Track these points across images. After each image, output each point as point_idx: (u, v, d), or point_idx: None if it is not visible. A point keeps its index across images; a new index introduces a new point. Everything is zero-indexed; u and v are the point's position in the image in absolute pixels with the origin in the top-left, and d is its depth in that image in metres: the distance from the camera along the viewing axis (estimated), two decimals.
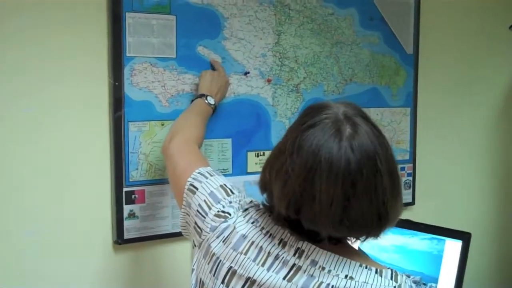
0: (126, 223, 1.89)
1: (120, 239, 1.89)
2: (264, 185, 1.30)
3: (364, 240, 1.26)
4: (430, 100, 2.55)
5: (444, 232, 1.85)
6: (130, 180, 1.90)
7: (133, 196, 1.90)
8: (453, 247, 1.82)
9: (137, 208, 1.91)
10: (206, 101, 1.88)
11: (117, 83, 1.85)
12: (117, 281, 1.92)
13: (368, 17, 2.33)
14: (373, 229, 1.22)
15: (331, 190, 1.15)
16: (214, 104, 1.90)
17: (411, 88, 2.48)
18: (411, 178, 2.52)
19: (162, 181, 1.94)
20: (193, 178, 1.45)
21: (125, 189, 1.89)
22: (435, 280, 1.83)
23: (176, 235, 1.96)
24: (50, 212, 1.80)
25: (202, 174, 1.46)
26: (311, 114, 1.23)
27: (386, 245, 1.83)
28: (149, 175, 1.92)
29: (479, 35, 2.65)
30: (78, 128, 1.83)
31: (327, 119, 1.19)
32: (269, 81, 2.13)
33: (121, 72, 1.85)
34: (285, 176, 1.19)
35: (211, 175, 1.46)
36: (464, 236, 1.81)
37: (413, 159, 2.52)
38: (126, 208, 1.89)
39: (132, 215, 1.90)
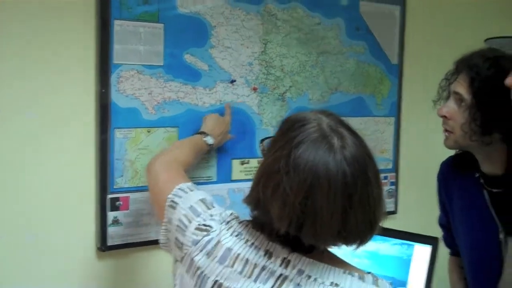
0: (110, 230, 1.89)
1: (103, 246, 1.89)
2: (257, 203, 1.28)
3: (357, 247, 1.28)
4: (414, 110, 2.57)
5: (413, 237, 1.88)
6: (115, 186, 1.90)
7: (117, 202, 1.90)
8: (422, 252, 1.86)
9: (121, 215, 1.92)
10: (204, 138, 1.89)
11: (104, 90, 1.86)
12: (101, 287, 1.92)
13: (354, 27, 2.35)
14: (366, 236, 1.25)
15: (331, 205, 1.17)
16: (212, 144, 1.92)
17: (395, 97, 2.51)
18: (394, 187, 2.55)
19: (147, 188, 1.93)
20: (174, 194, 1.44)
21: (109, 196, 1.89)
22: (404, 284, 1.87)
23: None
24: (34, 218, 1.80)
25: (182, 190, 1.45)
26: (295, 128, 1.23)
27: (358, 251, 1.86)
28: (134, 182, 1.93)
29: (460, 47, 2.68)
30: (64, 134, 1.83)
31: (315, 133, 1.20)
32: (255, 89, 2.14)
33: (108, 79, 1.86)
34: (283, 195, 1.19)
35: (191, 190, 1.45)
36: (432, 241, 1.85)
37: (396, 169, 2.55)
38: (110, 215, 1.90)
39: (116, 221, 1.90)
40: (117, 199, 1.90)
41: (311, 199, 1.17)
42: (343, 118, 1.28)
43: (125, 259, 1.96)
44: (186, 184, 1.48)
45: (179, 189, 1.46)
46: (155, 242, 1.95)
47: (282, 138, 1.24)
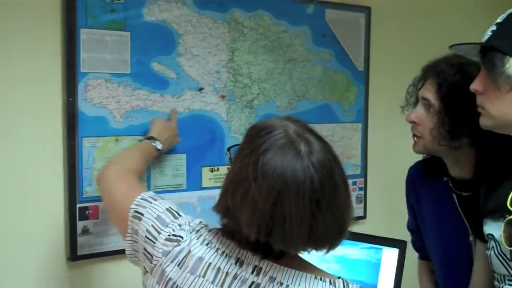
0: (80, 239, 1.88)
1: (73, 256, 1.87)
2: (226, 211, 1.27)
3: (327, 252, 1.29)
4: (380, 116, 2.61)
5: (381, 241, 1.90)
6: (84, 196, 1.89)
7: (87, 212, 1.89)
8: (390, 255, 1.88)
9: (91, 224, 1.90)
10: (153, 144, 1.89)
11: (71, 99, 1.85)
12: None
13: (320, 34, 2.38)
14: (335, 241, 1.26)
15: (300, 210, 1.17)
16: (161, 150, 1.91)
17: (362, 104, 2.54)
18: (362, 192, 2.57)
19: None
20: (137, 205, 1.41)
21: (78, 205, 1.88)
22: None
23: None
24: (2, 228, 1.78)
25: (145, 200, 1.42)
26: (262, 135, 1.23)
27: (327, 256, 1.87)
28: None
29: (425, 53, 2.72)
30: (31, 143, 1.82)
31: (281, 139, 1.21)
32: (223, 97, 2.15)
33: (75, 87, 1.85)
34: (252, 202, 1.19)
35: (154, 200, 1.43)
36: (400, 244, 1.88)
37: (364, 174, 2.57)
38: (80, 224, 1.88)
39: (85, 231, 1.89)
40: (86, 208, 1.89)
41: (280, 205, 1.17)
42: (309, 125, 1.28)
43: (95, 269, 1.94)
44: (147, 193, 1.45)
45: (141, 199, 1.42)
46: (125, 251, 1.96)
47: (249, 146, 1.24)
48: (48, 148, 1.85)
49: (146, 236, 1.35)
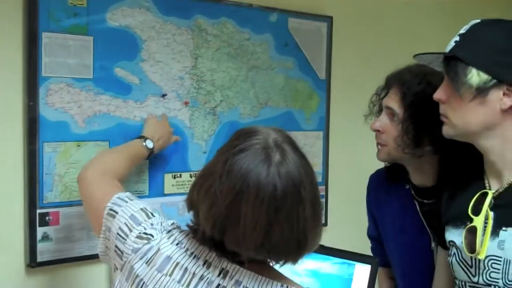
0: (40, 246, 1.85)
1: (33, 262, 1.84)
2: (191, 204, 1.30)
3: (283, 264, 1.29)
4: (342, 124, 2.63)
5: (354, 257, 1.91)
6: (44, 201, 1.86)
7: (47, 218, 1.87)
8: (362, 271, 1.89)
9: (51, 230, 1.87)
10: (144, 143, 1.88)
11: (32, 103, 1.82)
12: None
13: (283, 43, 2.40)
14: (292, 254, 1.26)
15: (256, 214, 1.18)
16: (152, 149, 1.90)
17: (323, 112, 2.56)
18: (323, 200, 2.59)
19: (78, 203, 1.90)
20: (113, 203, 1.43)
21: (38, 211, 1.85)
22: None
23: (92, 258, 1.93)
24: None
25: (121, 199, 1.44)
26: (242, 138, 1.25)
27: (299, 270, 1.88)
28: (64, 196, 1.90)
29: (386, 62, 2.76)
30: None
31: (258, 145, 1.22)
32: (186, 103, 2.15)
33: (36, 92, 1.83)
34: (212, 197, 1.21)
35: (130, 200, 1.45)
36: (372, 261, 1.89)
37: (325, 181, 2.60)
38: (40, 230, 1.85)
39: (46, 237, 1.86)
40: (46, 214, 1.86)
41: (237, 205, 1.19)
42: (292, 137, 1.30)
43: (56, 276, 1.91)
44: (124, 193, 1.47)
45: (117, 198, 1.44)
46: (87, 258, 1.94)
47: (227, 146, 1.27)
48: (7, 152, 1.82)
49: (118, 233, 1.37)
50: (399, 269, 1.98)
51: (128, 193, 1.48)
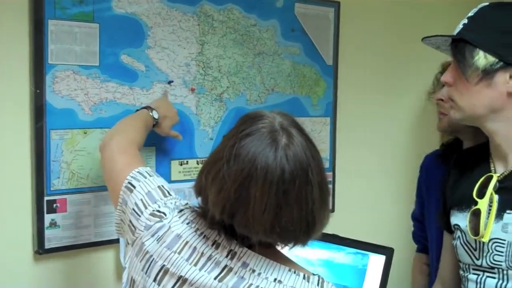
0: (47, 233, 1.86)
1: (41, 249, 1.86)
2: (200, 189, 1.32)
3: (292, 247, 1.30)
4: (349, 110, 2.62)
5: (368, 247, 1.91)
6: (52, 189, 1.87)
7: (54, 205, 1.88)
8: (376, 261, 1.89)
9: (59, 217, 1.89)
10: (151, 113, 1.88)
11: (38, 91, 1.83)
12: None
13: (289, 28, 2.39)
14: (301, 236, 1.27)
15: (265, 197, 1.20)
16: (158, 119, 1.89)
17: (331, 98, 2.55)
18: (331, 186, 2.59)
19: (85, 190, 1.93)
20: (132, 177, 1.46)
21: (46, 198, 1.86)
22: None
23: (99, 244, 1.96)
24: None
25: (141, 174, 1.47)
26: (248, 122, 1.27)
27: (313, 259, 1.89)
28: (71, 183, 1.90)
29: (395, 47, 2.76)
30: None
31: (264, 128, 1.24)
32: (192, 90, 2.15)
33: (43, 79, 1.83)
34: (221, 182, 1.23)
35: (150, 175, 1.47)
36: (387, 252, 1.89)
37: (332, 167, 2.59)
38: (48, 218, 1.86)
39: (53, 224, 1.87)
40: (54, 201, 1.87)
41: (246, 189, 1.20)
42: (298, 121, 1.31)
43: (64, 262, 1.93)
44: (145, 168, 1.49)
45: (138, 172, 1.47)
46: (95, 244, 1.96)
47: (234, 131, 1.29)
48: (15, 140, 1.82)
49: (133, 209, 1.40)
50: (437, 253, 1.98)
51: (148, 168, 1.51)
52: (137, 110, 1.92)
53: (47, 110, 1.84)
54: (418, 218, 2.15)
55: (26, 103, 1.83)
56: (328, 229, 1.36)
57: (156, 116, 1.89)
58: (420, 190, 2.13)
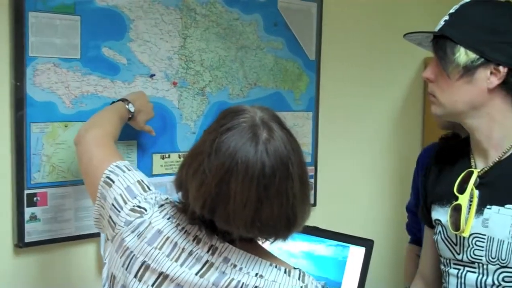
0: (28, 226, 1.85)
1: (21, 243, 1.84)
2: (180, 184, 1.32)
3: (273, 241, 1.31)
4: (331, 104, 2.63)
5: (349, 239, 1.93)
6: (32, 182, 1.86)
7: (35, 198, 1.86)
8: (356, 253, 1.90)
9: (39, 210, 1.87)
10: (126, 106, 1.86)
11: (18, 83, 1.81)
12: (19, 285, 1.87)
13: (272, 23, 2.39)
14: (282, 231, 1.28)
15: (245, 192, 1.20)
16: (133, 113, 1.88)
17: (313, 93, 2.56)
18: (312, 180, 2.60)
19: (65, 184, 1.91)
20: (110, 171, 1.44)
21: (26, 192, 1.85)
22: (339, 285, 1.91)
23: (79, 238, 1.95)
24: None
25: (119, 168, 1.45)
26: (229, 117, 1.27)
27: (295, 251, 1.90)
28: (52, 177, 1.89)
29: (377, 42, 2.77)
30: None
31: (245, 123, 1.24)
32: (174, 84, 2.14)
33: (23, 72, 1.81)
34: (201, 176, 1.23)
35: (128, 170, 1.46)
36: (367, 243, 1.91)
37: (314, 162, 2.60)
38: (28, 211, 1.85)
39: (33, 218, 1.86)
40: (34, 194, 1.86)
41: (226, 183, 1.21)
42: (279, 115, 1.31)
43: (45, 256, 1.91)
44: (123, 162, 1.48)
45: (116, 166, 1.45)
46: (75, 238, 1.95)
47: (214, 125, 1.29)
48: None
49: (112, 204, 1.39)
50: None
51: (126, 162, 1.49)
52: (113, 102, 1.91)
53: (27, 103, 1.83)
54: (413, 209, 2.16)
55: (6, 96, 1.82)
56: (309, 222, 1.36)
57: (132, 109, 1.87)
58: (415, 182, 2.15)
